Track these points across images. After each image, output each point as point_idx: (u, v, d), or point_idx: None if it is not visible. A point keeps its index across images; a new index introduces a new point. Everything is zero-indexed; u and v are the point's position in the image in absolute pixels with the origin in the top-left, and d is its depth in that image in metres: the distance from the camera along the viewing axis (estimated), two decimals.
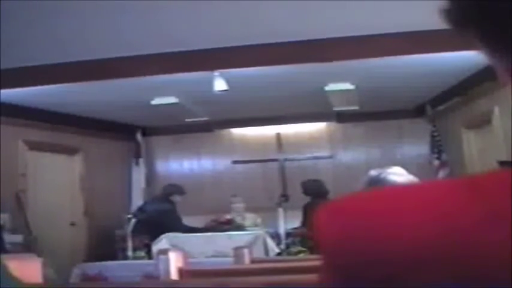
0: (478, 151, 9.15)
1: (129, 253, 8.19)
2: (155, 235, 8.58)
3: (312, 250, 8.24)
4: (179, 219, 9.54)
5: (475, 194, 0.61)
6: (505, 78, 0.71)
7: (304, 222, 9.51)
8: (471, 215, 0.60)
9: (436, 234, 0.60)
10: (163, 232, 8.60)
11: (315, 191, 9.64)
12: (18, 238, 8.43)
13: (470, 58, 7.00)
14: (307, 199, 9.79)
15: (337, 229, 0.66)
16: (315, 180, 10.08)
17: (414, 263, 0.60)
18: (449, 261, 0.59)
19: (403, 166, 3.54)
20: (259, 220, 9.76)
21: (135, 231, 8.35)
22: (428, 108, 10.54)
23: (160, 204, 9.61)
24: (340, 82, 8.83)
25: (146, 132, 12.18)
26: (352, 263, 0.63)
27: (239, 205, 9.98)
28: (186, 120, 11.22)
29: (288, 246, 8.88)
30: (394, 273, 0.60)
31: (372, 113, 11.28)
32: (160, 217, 9.17)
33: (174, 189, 10.04)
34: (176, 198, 9.83)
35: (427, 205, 0.62)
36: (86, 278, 7.17)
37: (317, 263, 0.70)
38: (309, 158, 11.88)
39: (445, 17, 0.70)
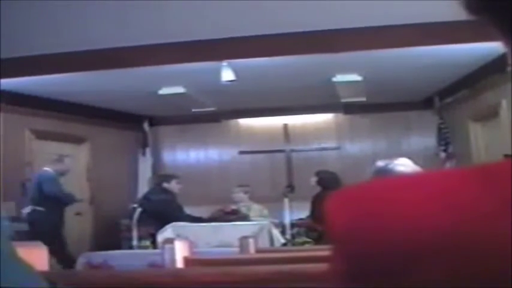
0: (485, 144, 9.15)
1: (134, 242, 8.20)
2: (158, 225, 8.60)
3: (317, 241, 8.25)
4: (180, 209, 9.53)
5: (487, 183, 0.61)
6: None
7: (312, 213, 9.50)
8: (484, 205, 0.59)
9: (448, 223, 0.59)
10: (165, 222, 8.60)
11: (329, 182, 9.56)
12: (24, 227, 8.45)
13: (478, 50, 7.00)
14: (314, 190, 9.75)
15: (348, 217, 0.65)
16: (331, 173, 10.03)
17: (426, 252, 0.59)
18: (461, 251, 0.58)
19: (410, 158, 3.54)
20: (265, 211, 9.76)
21: (140, 221, 8.36)
22: (436, 100, 10.53)
23: (159, 194, 9.59)
24: (347, 73, 8.83)
25: (153, 122, 12.19)
26: (363, 252, 0.63)
27: (247, 195, 9.99)
28: (193, 110, 11.23)
29: (293, 236, 8.89)
30: (406, 262, 0.60)
31: (379, 105, 11.28)
32: (161, 207, 9.17)
33: (162, 178, 10.03)
34: (169, 186, 9.77)
35: (439, 194, 0.62)
36: (91, 266, 7.18)
37: (322, 253, 0.69)
38: (315, 149, 11.89)
39: (461, 4, 0.69)
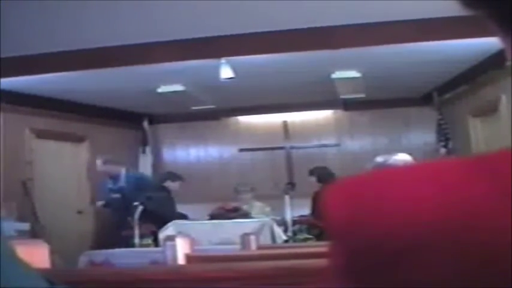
0: (484, 139, 9.14)
1: (136, 240, 8.20)
2: (158, 223, 8.59)
3: (318, 237, 8.25)
4: (172, 207, 9.53)
5: (487, 177, 0.60)
6: None
7: (314, 210, 9.50)
8: (484, 200, 0.59)
9: (449, 219, 0.59)
10: (163, 220, 8.59)
11: (328, 178, 9.55)
12: (26, 226, 8.45)
13: (477, 46, 6.99)
14: (314, 187, 9.74)
15: (346, 212, 0.65)
16: (325, 168, 10.04)
17: (425, 247, 0.59)
18: (462, 246, 0.58)
19: (410, 154, 3.55)
20: (267, 209, 9.73)
21: (141, 218, 8.36)
22: (435, 96, 10.52)
23: (155, 192, 9.59)
24: (346, 70, 8.82)
25: (153, 120, 12.19)
26: (362, 247, 0.63)
27: (248, 194, 9.96)
28: (193, 108, 11.23)
29: (294, 233, 8.88)
30: (405, 257, 0.60)
31: (378, 101, 11.28)
32: (157, 205, 9.16)
33: (168, 176, 10.03)
34: (171, 185, 9.78)
35: (439, 189, 0.61)
36: (93, 265, 7.19)
37: (324, 249, 0.69)
38: (315, 146, 11.89)
39: None
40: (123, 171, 9.82)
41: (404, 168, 0.78)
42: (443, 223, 0.59)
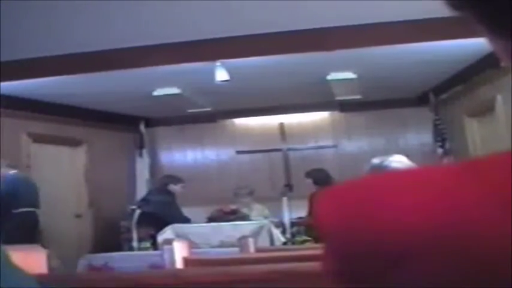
0: (481, 139, 9.14)
1: (135, 244, 8.21)
2: (157, 226, 8.60)
3: (317, 239, 8.25)
4: (178, 210, 9.54)
5: (485, 183, 0.60)
6: (507, 64, 0.69)
7: (311, 212, 9.50)
8: (482, 207, 0.58)
9: (443, 225, 0.58)
10: (164, 223, 8.60)
11: (324, 180, 9.56)
12: None
13: (472, 46, 6.99)
14: (311, 189, 9.75)
15: (339, 218, 0.65)
16: (322, 170, 10.04)
17: (417, 252, 0.59)
18: (457, 254, 0.58)
19: (407, 155, 3.56)
20: (266, 211, 9.72)
21: (139, 222, 8.36)
22: (431, 97, 10.52)
23: (159, 195, 9.60)
24: (342, 71, 8.81)
25: (149, 123, 12.18)
26: (354, 252, 0.63)
27: (247, 197, 9.95)
28: (189, 110, 11.21)
29: (293, 235, 8.88)
30: (396, 262, 0.60)
31: (374, 102, 11.27)
32: (160, 209, 9.17)
33: (169, 179, 10.04)
34: (174, 188, 9.80)
35: (429, 192, 0.61)
36: (92, 269, 7.19)
37: (321, 251, 0.70)
38: (312, 148, 11.88)
39: (444, 1, 0.69)
40: (8, 172, 9.34)
41: (398, 174, 0.78)
42: (436, 230, 0.59)
